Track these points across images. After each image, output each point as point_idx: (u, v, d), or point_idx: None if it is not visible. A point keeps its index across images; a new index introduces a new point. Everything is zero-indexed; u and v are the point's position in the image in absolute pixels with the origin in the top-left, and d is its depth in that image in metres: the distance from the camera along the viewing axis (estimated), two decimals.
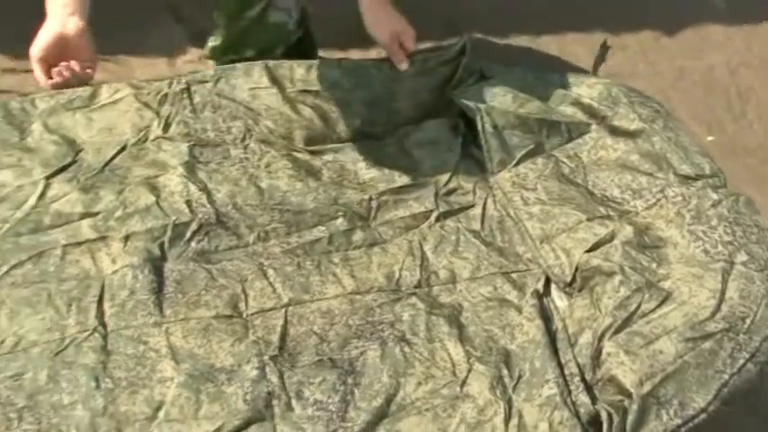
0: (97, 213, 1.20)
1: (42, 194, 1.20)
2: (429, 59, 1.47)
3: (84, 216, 1.19)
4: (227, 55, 1.55)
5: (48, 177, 1.23)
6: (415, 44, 1.44)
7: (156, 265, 1.15)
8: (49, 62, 1.29)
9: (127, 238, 1.17)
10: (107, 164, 1.26)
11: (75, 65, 1.29)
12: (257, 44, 1.52)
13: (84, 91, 1.34)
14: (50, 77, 1.30)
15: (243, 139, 1.33)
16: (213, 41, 1.59)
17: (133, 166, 1.26)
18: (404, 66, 1.41)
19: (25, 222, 1.18)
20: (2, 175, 1.22)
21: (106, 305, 1.11)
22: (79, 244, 1.17)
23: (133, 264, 1.15)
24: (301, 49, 1.61)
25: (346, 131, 1.39)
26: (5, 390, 1.03)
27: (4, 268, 1.13)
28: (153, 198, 1.22)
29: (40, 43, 1.26)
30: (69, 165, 1.25)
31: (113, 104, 1.33)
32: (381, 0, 1.44)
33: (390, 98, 1.44)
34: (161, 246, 1.18)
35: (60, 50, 1.27)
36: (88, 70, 1.32)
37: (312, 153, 1.34)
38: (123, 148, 1.28)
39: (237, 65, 1.41)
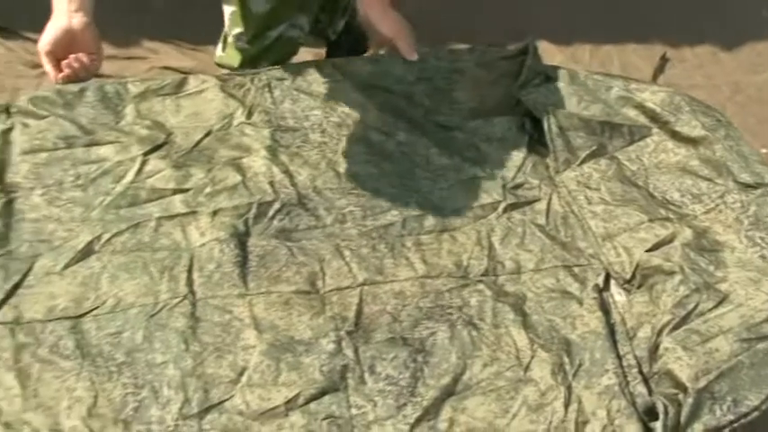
0: (188, 190, 1.26)
1: (139, 170, 1.28)
2: (488, 52, 1.53)
3: (176, 192, 1.26)
4: (242, 68, 1.56)
5: (145, 154, 1.30)
6: (415, 43, 1.47)
7: (241, 240, 1.21)
8: (57, 56, 1.33)
9: (214, 213, 1.24)
10: (195, 145, 1.33)
11: (82, 56, 1.34)
12: (272, 58, 1.55)
13: (172, 80, 1.40)
14: (60, 71, 1.34)
15: (320, 125, 1.38)
16: (228, 56, 1.59)
17: (219, 148, 1.33)
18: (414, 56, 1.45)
19: (124, 196, 1.25)
20: (103, 150, 1.30)
21: (195, 275, 1.17)
22: (171, 217, 1.23)
23: (220, 238, 1.21)
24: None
25: (415, 121, 1.44)
26: (107, 345, 1.10)
27: (106, 236, 1.20)
28: (239, 178, 1.28)
29: (48, 38, 1.31)
30: (162, 144, 1.31)
31: (200, 93, 1.40)
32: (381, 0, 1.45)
33: (451, 88, 1.49)
34: (246, 222, 1.23)
35: (67, 44, 1.32)
36: (95, 62, 1.36)
37: (387, 135, 1.39)
38: (209, 133, 1.35)
39: (311, 62, 1.47)
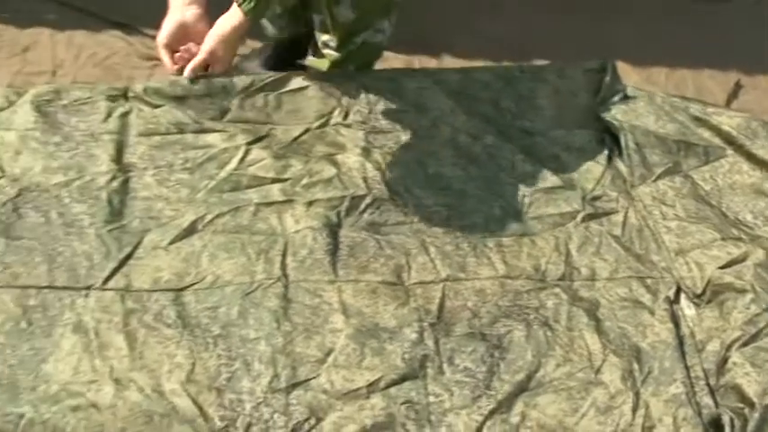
0: (286, 179, 1.33)
1: (242, 159, 1.34)
2: (567, 67, 1.60)
3: (275, 181, 1.32)
4: (331, 71, 1.60)
5: (248, 144, 1.36)
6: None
7: (333, 230, 1.27)
8: (173, 48, 1.39)
9: (310, 203, 1.30)
10: (295, 139, 1.39)
11: (193, 47, 1.39)
12: (358, 62, 1.59)
13: (275, 77, 1.47)
14: (175, 63, 1.41)
15: (411, 127, 1.44)
16: (318, 61, 1.63)
17: (317, 144, 1.39)
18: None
19: (228, 181, 1.32)
20: (211, 137, 1.37)
21: (289, 259, 1.23)
22: (269, 204, 1.30)
23: (313, 227, 1.26)
24: None
25: (501, 126, 1.49)
26: (204, 318, 1.16)
27: (209, 217, 1.27)
28: (334, 171, 1.34)
29: (164, 32, 1.37)
30: (264, 136, 1.38)
31: (301, 91, 1.46)
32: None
33: (534, 95, 1.55)
34: (338, 214, 1.29)
35: (182, 37, 1.38)
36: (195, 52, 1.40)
37: (474, 138, 1.44)
38: (308, 129, 1.41)
39: (403, 69, 1.53)
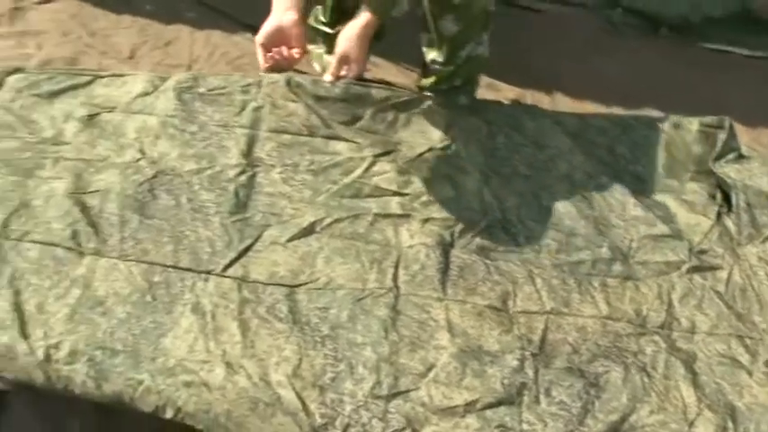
0: (406, 194, 1.35)
1: (367, 169, 1.37)
2: (683, 120, 1.58)
3: (395, 194, 1.35)
4: (439, 86, 1.65)
5: (375, 156, 1.39)
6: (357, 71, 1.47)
7: (445, 249, 1.29)
8: (267, 48, 1.46)
9: (425, 220, 1.32)
10: (419, 156, 1.41)
11: (284, 50, 1.45)
12: (463, 75, 1.63)
13: (410, 97, 1.50)
14: (266, 62, 1.47)
15: (529, 160, 1.45)
16: (426, 79, 1.67)
17: (439, 164, 1.40)
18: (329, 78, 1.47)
19: (350, 188, 1.35)
20: (340, 145, 1.41)
21: (401, 272, 1.26)
22: (387, 216, 1.32)
23: (427, 243, 1.28)
24: None
25: (615, 170, 1.50)
26: (314, 317, 1.19)
27: (328, 221, 1.31)
28: (453, 193, 1.36)
29: (263, 32, 1.44)
30: (391, 151, 1.40)
31: (430, 113, 1.48)
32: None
33: (649, 144, 1.55)
34: (452, 234, 1.31)
35: (278, 38, 1.44)
36: (296, 56, 1.47)
37: (590, 177, 1.45)
38: (431, 149, 1.42)
39: (523, 105, 1.55)
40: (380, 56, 1.80)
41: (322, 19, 1.72)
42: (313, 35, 1.73)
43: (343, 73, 1.45)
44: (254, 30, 1.84)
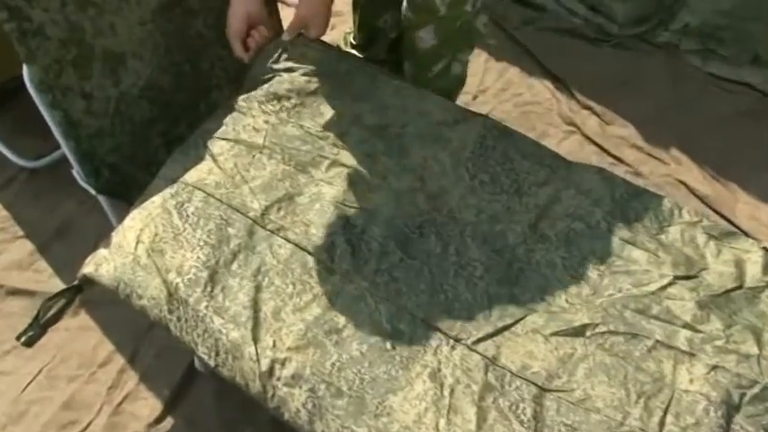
0: (698, 331, 1.18)
1: (664, 287, 1.21)
2: None
3: (686, 326, 1.18)
4: None
5: (677, 277, 1.22)
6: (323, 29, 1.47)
7: (729, 412, 1.10)
8: (241, 37, 1.44)
9: (714, 368, 1.14)
10: (725, 292, 1.22)
11: (256, 33, 1.45)
12: (442, 91, 1.56)
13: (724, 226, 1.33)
14: (247, 50, 1.45)
15: None
16: None
17: (745, 309, 1.20)
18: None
19: (637, 301, 1.20)
20: (636, 252, 1.25)
21: (669, 418, 1.09)
22: (669, 348, 1.16)
23: (709, 396, 1.11)
24: None
25: None
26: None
27: (602, 328, 1.16)
28: (756, 351, 1.16)
29: (231, 24, 1.42)
30: (694, 276, 1.24)
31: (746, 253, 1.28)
32: None
33: None
34: (741, 396, 1.11)
35: (248, 25, 1.44)
36: (267, 33, 1.47)
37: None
38: (740, 286, 1.23)
39: None
40: (685, 153, 1.64)
41: (352, 41, 1.70)
42: None
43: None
44: (556, 80, 1.75)
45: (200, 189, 1.28)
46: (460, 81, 1.65)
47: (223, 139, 1.36)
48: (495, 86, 1.71)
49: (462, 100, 1.73)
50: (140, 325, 1.55)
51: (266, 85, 1.42)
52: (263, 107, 1.40)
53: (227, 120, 1.39)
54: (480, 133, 1.36)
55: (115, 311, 1.58)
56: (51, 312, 1.24)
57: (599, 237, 1.26)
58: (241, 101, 1.41)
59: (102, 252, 1.25)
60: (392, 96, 1.41)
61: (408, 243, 1.23)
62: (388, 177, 1.31)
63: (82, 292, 1.26)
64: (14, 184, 1.87)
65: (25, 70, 1.28)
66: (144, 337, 1.56)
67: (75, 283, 1.25)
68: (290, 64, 1.44)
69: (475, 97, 1.67)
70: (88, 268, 1.24)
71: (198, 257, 1.20)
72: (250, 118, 1.38)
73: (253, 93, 1.41)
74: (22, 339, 1.21)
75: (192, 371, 1.49)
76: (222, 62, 1.57)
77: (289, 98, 1.40)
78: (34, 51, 1.25)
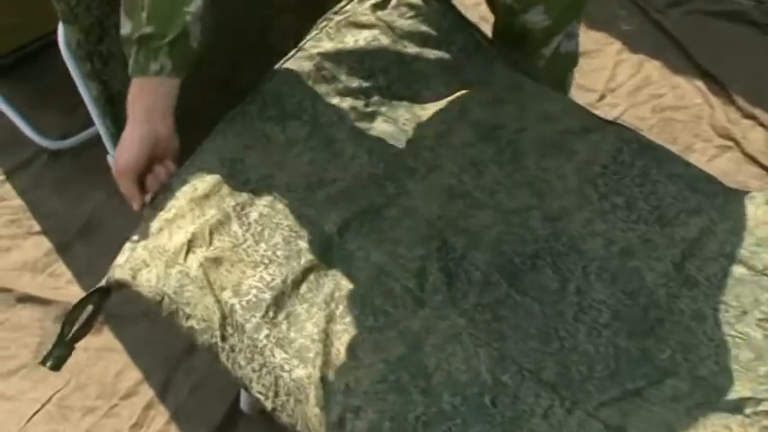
0: None
1: None
2: None
3: None
4: None
5: None
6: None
7: None
8: (140, 173, 1.31)
9: None
10: None
11: (162, 171, 1.32)
12: (553, 75, 1.63)
13: None
14: (144, 192, 1.33)
15: None
16: None
17: None
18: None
19: None
20: None
21: None
22: None
23: None
24: None
25: None
26: None
27: (765, 406, 1.14)
28: None
29: (133, 159, 1.28)
30: None
31: None
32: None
33: None
34: None
35: (152, 157, 1.31)
36: (172, 170, 1.35)
37: None
38: None
39: None
40: None
41: None
42: None
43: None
44: (711, 80, 1.73)
45: (266, 191, 1.30)
46: (575, 59, 1.68)
47: (298, 119, 1.39)
48: (628, 84, 1.70)
49: (585, 99, 1.72)
50: (175, 348, 1.59)
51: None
52: (351, 81, 1.41)
53: (304, 89, 1.40)
54: (616, 146, 1.36)
55: (145, 331, 1.63)
56: (77, 326, 1.28)
57: (764, 286, 1.25)
58: (326, 62, 1.42)
59: (140, 254, 1.29)
60: (510, 90, 1.42)
61: (518, 275, 1.24)
62: (498, 192, 1.32)
63: (110, 298, 1.30)
64: (32, 168, 1.93)
65: (60, 31, 1.32)
66: (179, 365, 1.59)
67: (103, 284, 1.28)
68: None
69: (602, 97, 1.66)
70: (123, 273, 1.28)
71: (260, 276, 1.23)
72: (335, 97, 1.40)
73: (342, 48, 1.43)
74: (49, 363, 1.23)
75: (236, 411, 1.52)
76: (293, 29, 1.60)
77: (385, 70, 1.41)
78: (74, 8, 1.29)
